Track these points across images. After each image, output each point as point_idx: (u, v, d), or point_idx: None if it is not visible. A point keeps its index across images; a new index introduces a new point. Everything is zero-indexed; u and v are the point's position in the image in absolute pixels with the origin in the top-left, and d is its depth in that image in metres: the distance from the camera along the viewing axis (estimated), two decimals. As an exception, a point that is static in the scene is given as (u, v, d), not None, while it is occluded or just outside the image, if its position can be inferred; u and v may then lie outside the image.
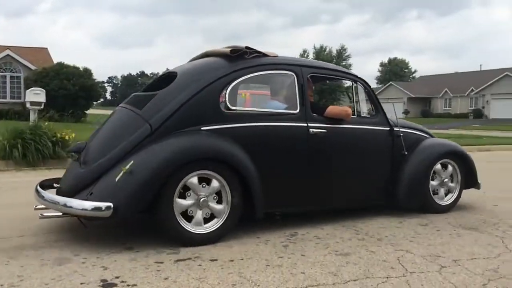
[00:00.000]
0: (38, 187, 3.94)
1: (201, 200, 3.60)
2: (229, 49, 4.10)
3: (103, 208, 3.30)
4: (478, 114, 51.13)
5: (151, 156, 3.54)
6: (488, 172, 9.01)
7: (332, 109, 4.43)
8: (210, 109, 3.85)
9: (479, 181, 5.28)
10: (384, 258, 3.43)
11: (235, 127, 3.89)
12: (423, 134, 5.24)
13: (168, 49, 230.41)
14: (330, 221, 4.51)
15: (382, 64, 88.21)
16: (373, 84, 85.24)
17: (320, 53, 61.85)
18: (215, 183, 3.66)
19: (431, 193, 4.92)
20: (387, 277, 3.03)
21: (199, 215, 3.62)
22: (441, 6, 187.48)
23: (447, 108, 57.84)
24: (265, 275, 3.04)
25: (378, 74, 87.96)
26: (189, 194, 3.59)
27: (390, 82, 64.95)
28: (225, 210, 3.72)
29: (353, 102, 4.79)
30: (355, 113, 4.65)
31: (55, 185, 4.11)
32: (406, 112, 56.28)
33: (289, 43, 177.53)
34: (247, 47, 4.17)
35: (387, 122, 4.85)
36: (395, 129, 4.83)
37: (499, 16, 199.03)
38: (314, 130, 4.22)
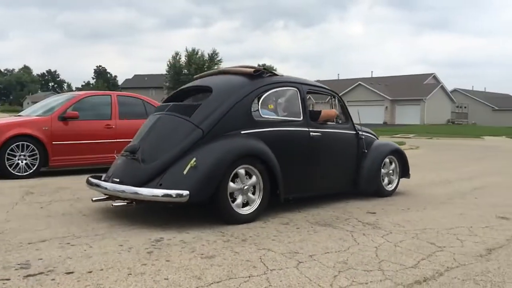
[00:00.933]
0: (95, 180, 4.86)
1: (244, 188, 4.65)
2: (251, 68, 5.35)
3: (176, 196, 4.21)
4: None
5: (210, 153, 4.49)
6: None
7: (325, 112, 5.92)
8: (245, 117, 4.95)
9: (410, 173, 6.92)
10: (248, 258, 3.53)
11: (264, 131, 5.01)
12: (373, 137, 6.76)
13: (25, 44, 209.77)
14: (197, 224, 4.52)
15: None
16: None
17: (192, 56, 61.83)
18: (254, 179, 4.74)
19: (382, 182, 6.42)
20: (249, 276, 3.13)
21: (239, 199, 4.63)
22: (304, 18, 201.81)
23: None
24: (126, 284, 2.92)
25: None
26: (237, 181, 4.62)
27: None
28: (256, 200, 4.77)
29: (346, 113, 6.34)
30: (335, 120, 6.05)
31: (103, 179, 4.88)
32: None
33: (161, 44, 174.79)
34: (264, 68, 5.45)
35: (354, 127, 6.30)
36: (359, 132, 6.32)
37: (354, 31, 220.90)
38: (313, 133, 5.48)
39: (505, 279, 3.20)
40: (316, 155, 5.53)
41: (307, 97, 5.69)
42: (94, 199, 4.94)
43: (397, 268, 3.37)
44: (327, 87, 6.38)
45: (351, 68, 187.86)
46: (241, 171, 4.64)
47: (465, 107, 60.18)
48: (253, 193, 4.77)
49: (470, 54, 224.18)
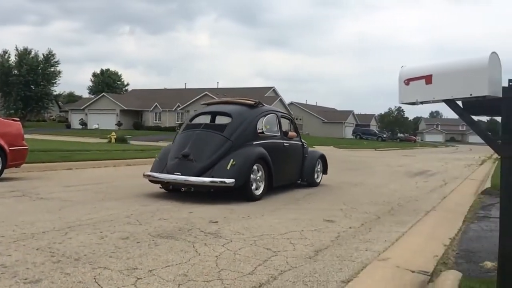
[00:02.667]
0: (157, 174, 7.30)
1: (256, 178, 7.30)
2: (252, 100, 8.39)
3: (229, 182, 6.77)
4: (184, 128, 56.10)
5: (241, 156, 7.10)
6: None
7: (291, 133, 9.13)
8: (254, 133, 7.77)
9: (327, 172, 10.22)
10: (80, 279, 3.27)
11: (264, 142, 7.82)
12: (307, 146, 9.77)
13: None
14: (21, 245, 4.04)
15: (94, 74, 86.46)
16: (85, 94, 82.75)
17: (24, 55, 55.88)
18: (260, 172, 7.40)
19: (316, 176, 9.68)
20: (81, 299, 2.89)
21: (254, 186, 7.24)
22: (151, 25, 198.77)
23: (158, 121, 61.30)
24: None
25: (91, 84, 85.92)
26: (253, 174, 7.20)
27: (103, 93, 64.37)
28: (261, 187, 7.42)
29: (291, 129, 9.45)
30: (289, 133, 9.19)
31: (164, 173, 7.24)
32: (119, 124, 56.78)
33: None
34: (259, 102, 8.38)
35: (301, 140, 9.51)
36: (304, 143, 9.56)
37: (201, 42, 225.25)
38: (285, 144, 8.58)
39: (329, 278, 3.53)
40: (286, 158, 8.57)
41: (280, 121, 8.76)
42: (160, 186, 7.70)
43: (235, 276, 3.47)
44: (288, 114, 10.51)
45: (198, 77, 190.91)
46: (255, 167, 7.34)
47: (300, 119, 65.88)
48: (260, 182, 7.47)
49: (304, 70, 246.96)
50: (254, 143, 7.63)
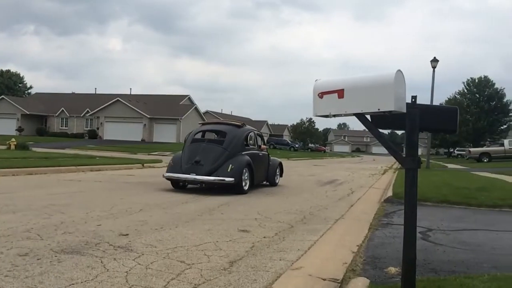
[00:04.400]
0: (176, 174, 10.17)
1: (245, 178, 10.19)
2: (238, 122, 11.79)
3: (229, 181, 9.75)
4: (93, 135, 53.56)
5: (237, 162, 10.08)
6: (92, 192, 9.41)
7: (263, 146, 12.46)
8: (243, 146, 10.81)
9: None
10: (-32, 303, 2.92)
11: (248, 152, 10.88)
12: (269, 156, 12.77)
13: None
14: None
15: (-7, 76, 79.62)
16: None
17: None
18: (247, 174, 10.29)
19: (276, 178, 12.74)
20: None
21: (244, 183, 10.13)
22: (59, 26, 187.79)
23: (64, 128, 57.89)
24: None
25: (-12, 85, 78.91)
26: (244, 174, 10.18)
27: (3, 96, 59.41)
28: (248, 184, 10.33)
29: (263, 143, 12.79)
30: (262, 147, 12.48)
31: (182, 173, 10.08)
32: (20, 129, 52.67)
33: None
34: (243, 123, 11.74)
35: (267, 151, 12.56)
36: (268, 154, 12.55)
37: (112, 46, 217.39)
38: (260, 154, 11.74)
39: (243, 290, 3.50)
40: (261, 164, 11.68)
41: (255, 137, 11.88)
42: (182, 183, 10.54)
43: (147, 292, 3.31)
44: (259, 132, 12.75)
45: (109, 83, 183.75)
46: (245, 170, 10.17)
47: (215, 128, 65.86)
48: (247, 181, 10.31)
49: (220, 80, 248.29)
50: (242, 153, 10.68)
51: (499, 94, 59.58)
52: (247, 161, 10.41)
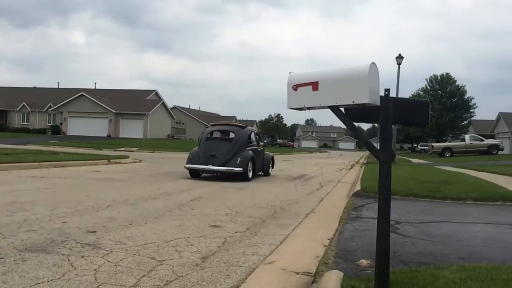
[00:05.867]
0: (195, 165, 12.76)
1: (249, 168, 12.81)
2: (242, 124, 15.24)
3: (238, 170, 12.39)
4: (57, 130, 52.03)
5: (243, 156, 12.71)
6: (56, 189, 9.12)
7: (260, 144, 15.30)
8: (247, 143, 13.41)
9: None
10: None
11: (251, 148, 13.52)
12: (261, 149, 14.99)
13: None
14: None
15: None
16: None
17: None
18: (251, 164, 12.92)
19: (269, 169, 15.40)
20: None
21: (249, 172, 12.79)
22: (18, 17, 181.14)
23: (26, 123, 56.01)
24: None
25: None
26: (249, 165, 12.82)
27: (-42, 90, 56.87)
28: (251, 173, 12.97)
29: (260, 141, 15.75)
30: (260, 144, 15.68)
31: (199, 163, 12.71)
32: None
33: None
34: (246, 125, 15.24)
35: (263, 147, 15.46)
36: (264, 149, 15.41)
37: (75, 40, 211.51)
38: (258, 149, 14.32)
39: (217, 286, 3.45)
40: (259, 157, 13.97)
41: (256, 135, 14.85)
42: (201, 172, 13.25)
43: (117, 290, 3.22)
44: (258, 132, 20.19)
45: (73, 77, 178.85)
46: (249, 162, 12.62)
47: (183, 124, 65.35)
48: (250, 171, 12.71)
49: (188, 75, 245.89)
50: (247, 148, 13.16)
51: (460, 91, 61.48)
52: (251, 155, 12.97)
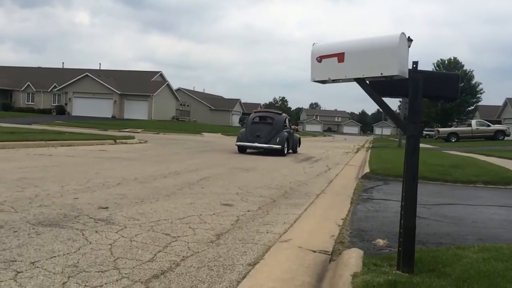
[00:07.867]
0: (243, 143, 16.41)
1: (286, 146, 16.41)
2: (278, 111, 19.45)
3: (277, 147, 15.89)
4: (61, 111, 51.98)
5: (281, 135, 16.30)
6: (65, 167, 9.09)
7: (294, 127, 20.04)
8: (283, 126, 16.92)
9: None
10: None
11: (286, 130, 17.03)
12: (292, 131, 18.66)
13: None
14: None
15: (-48, 47, 75.69)
16: None
17: None
18: (286, 143, 16.54)
19: (297, 148, 18.88)
20: None
21: (285, 149, 16.35)
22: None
23: (30, 103, 55.97)
24: None
25: None
26: (285, 143, 16.43)
27: (-37, 69, 56.75)
28: (287, 150, 16.69)
29: (291, 125, 19.09)
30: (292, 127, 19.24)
31: (247, 141, 16.33)
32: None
33: None
34: (282, 112, 20.29)
35: (291, 128, 18.38)
36: (293, 131, 19.15)
37: (80, 20, 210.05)
38: (290, 131, 17.90)
39: (235, 262, 3.40)
40: (291, 138, 17.43)
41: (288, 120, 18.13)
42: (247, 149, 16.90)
43: (134, 265, 3.17)
44: (290, 118, 19.05)
45: (77, 58, 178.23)
46: (286, 142, 16.24)
47: (188, 106, 65.09)
48: (286, 148, 16.42)
49: (192, 57, 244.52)
50: (283, 131, 16.38)
51: (467, 76, 60.83)
52: (286, 136, 16.32)
